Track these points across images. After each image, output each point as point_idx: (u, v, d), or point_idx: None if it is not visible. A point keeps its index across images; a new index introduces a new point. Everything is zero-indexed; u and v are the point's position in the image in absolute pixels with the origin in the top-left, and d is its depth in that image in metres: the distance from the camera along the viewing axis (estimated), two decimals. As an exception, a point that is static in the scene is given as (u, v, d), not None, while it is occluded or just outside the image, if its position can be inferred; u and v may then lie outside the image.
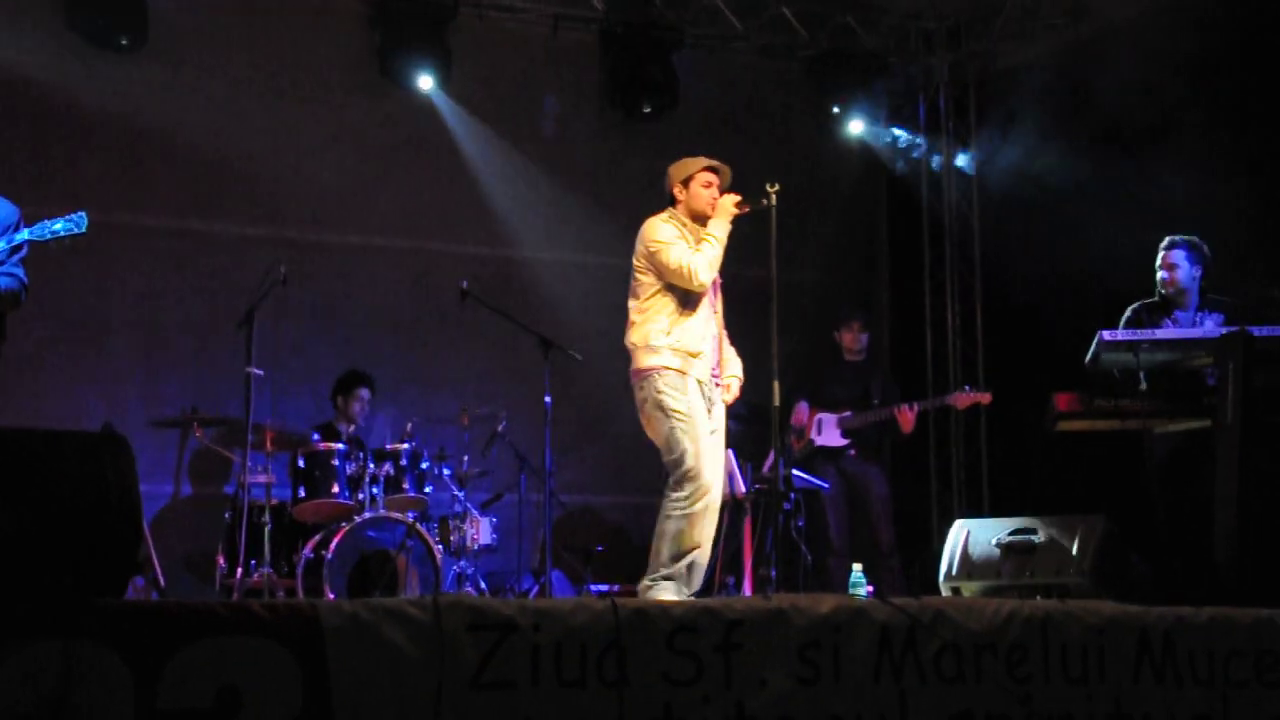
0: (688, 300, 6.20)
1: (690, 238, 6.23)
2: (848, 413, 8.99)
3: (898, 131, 10.95)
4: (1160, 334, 6.07)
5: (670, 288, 6.18)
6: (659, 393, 6.09)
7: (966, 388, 9.37)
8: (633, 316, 6.27)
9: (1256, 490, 5.61)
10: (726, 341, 6.50)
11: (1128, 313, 7.11)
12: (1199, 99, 8.68)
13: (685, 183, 6.35)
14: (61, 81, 8.95)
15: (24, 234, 5.60)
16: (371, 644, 3.54)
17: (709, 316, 6.29)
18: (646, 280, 6.23)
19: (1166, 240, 7.13)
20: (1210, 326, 6.73)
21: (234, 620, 3.42)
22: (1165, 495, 6.87)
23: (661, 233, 6.21)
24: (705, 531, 6.09)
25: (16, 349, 5.97)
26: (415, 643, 3.60)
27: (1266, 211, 8.17)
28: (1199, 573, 5.97)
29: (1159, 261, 7.09)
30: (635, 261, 6.30)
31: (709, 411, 6.19)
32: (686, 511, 5.99)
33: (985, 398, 8.89)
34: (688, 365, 6.12)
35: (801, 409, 9.09)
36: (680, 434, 6.04)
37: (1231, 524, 5.48)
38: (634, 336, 6.23)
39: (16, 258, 5.66)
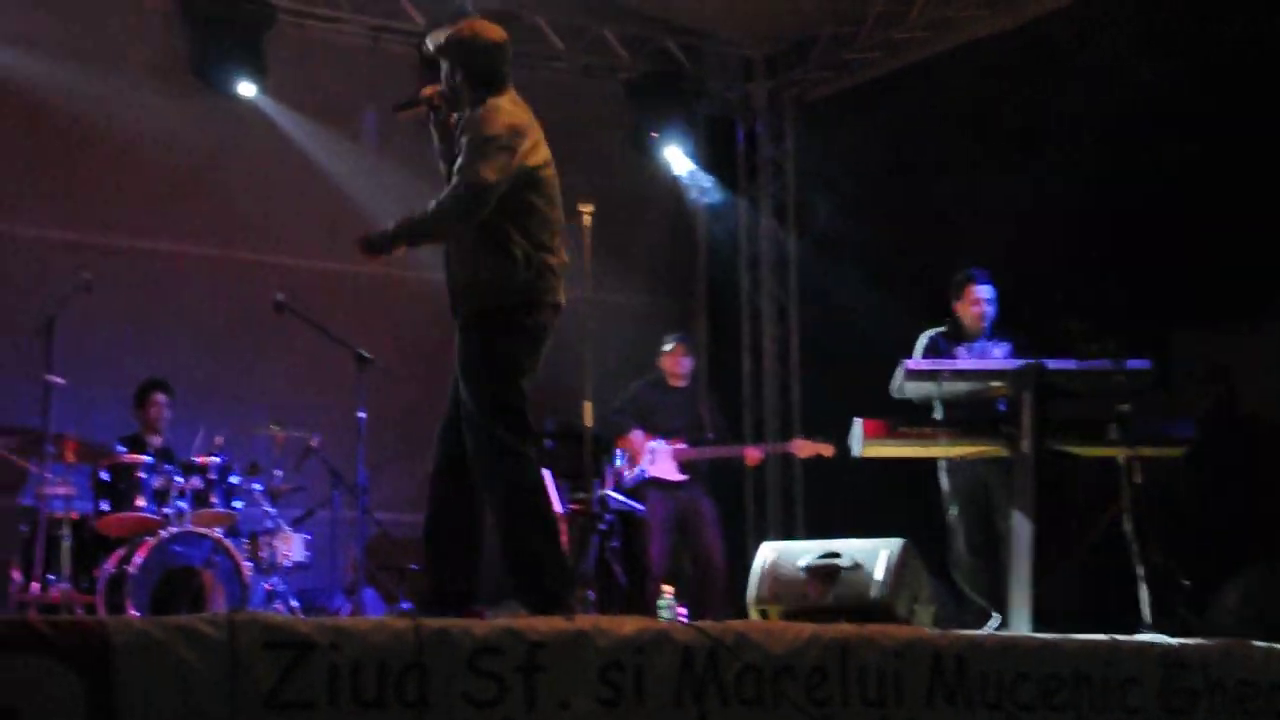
0: None
1: None
2: (682, 444, 8.74)
3: (704, 176, 11.05)
4: (960, 364, 6.22)
5: None
6: None
7: (805, 436, 9.01)
8: None
9: (1048, 514, 5.79)
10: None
11: (923, 340, 7.28)
12: (998, 132, 9.03)
13: None
14: None
15: None
16: (162, 663, 3.43)
17: None
18: None
19: (973, 274, 7.30)
20: (1001, 356, 6.93)
21: (13, 637, 3.28)
22: (963, 519, 7.06)
23: None
24: None
25: None
26: (208, 661, 3.49)
27: (1064, 243, 8.48)
28: (997, 595, 6.14)
29: (967, 295, 7.25)
30: None
31: None
32: None
33: (828, 450, 8.52)
34: None
35: (637, 435, 8.83)
36: None
37: (1026, 547, 5.63)
38: None
39: None
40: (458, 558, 5.28)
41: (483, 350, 5.13)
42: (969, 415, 6.25)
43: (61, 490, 7.89)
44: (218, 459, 8.23)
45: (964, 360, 6.74)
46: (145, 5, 9.55)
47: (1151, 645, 4.87)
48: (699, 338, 11.29)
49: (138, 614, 7.28)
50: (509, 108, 5.26)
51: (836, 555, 6.10)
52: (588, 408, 6.33)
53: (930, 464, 7.17)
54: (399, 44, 10.24)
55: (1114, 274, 8.20)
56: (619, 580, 8.83)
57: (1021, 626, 5.68)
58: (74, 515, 7.87)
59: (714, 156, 11.23)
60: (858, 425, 6.39)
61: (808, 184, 10.89)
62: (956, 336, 7.24)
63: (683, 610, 7.60)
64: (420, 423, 10.02)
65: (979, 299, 7.24)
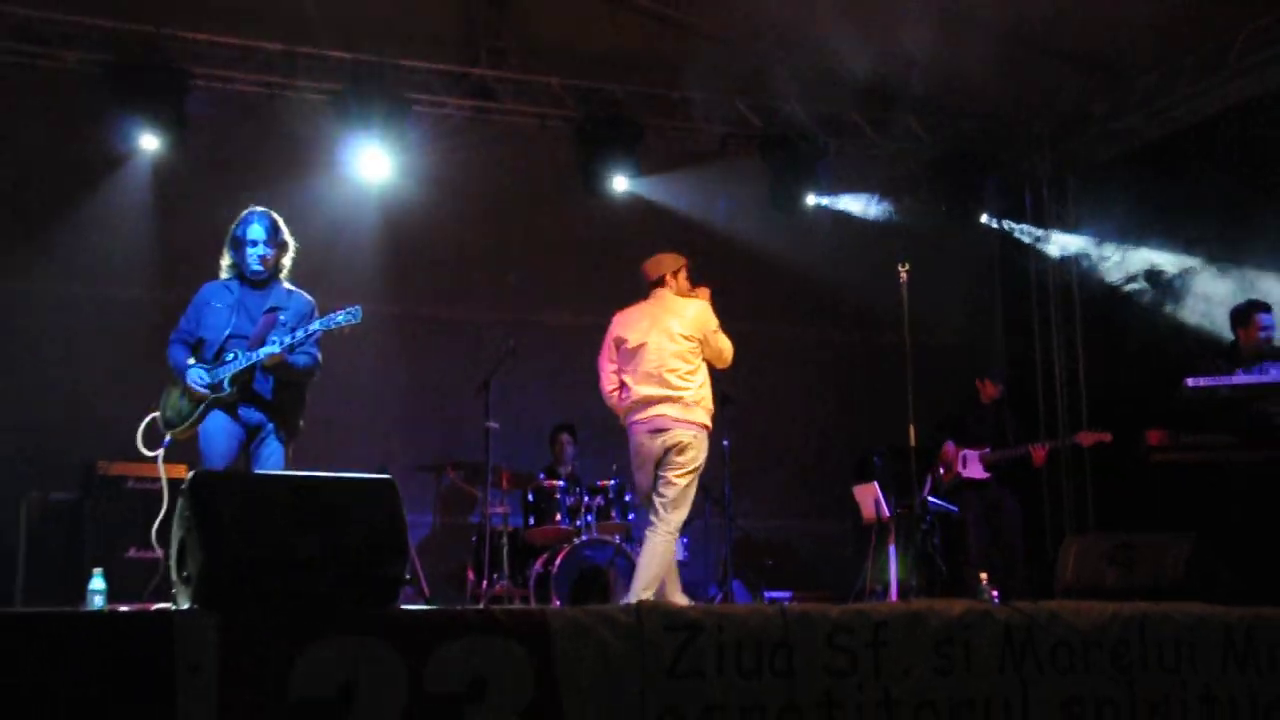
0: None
1: None
2: (987, 449, 8.71)
3: (1008, 225, 10.80)
4: (1237, 380, 5.83)
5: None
6: (702, 451, 6.34)
7: (1088, 429, 8.96)
8: (690, 379, 6.38)
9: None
10: None
11: (1204, 361, 6.88)
12: (1267, 180, 8.50)
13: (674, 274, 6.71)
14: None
15: (315, 324, 5.80)
16: (589, 642, 3.59)
17: None
18: (698, 352, 6.44)
19: (1259, 302, 6.87)
20: (1276, 374, 6.45)
21: (480, 623, 3.50)
22: (1245, 515, 6.61)
23: (715, 317, 6.54)
24: None
25: (316, 412, 6.20)
26: (623, 640, 3.63)
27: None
28: (1275, 580, 5.71)
29: (1254, 322, 6.80)
30: (692, 334, 6.42)
31: None
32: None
33: (1106, 437, 8.44)
34: None
35: (949, 447, 8.85)
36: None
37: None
38: (698, 395, 6.37)
39: (311, 340, 5.88)
40: None
41: None
42: (1246, 425, 5.85)
43: (500, 509, 8.34)
44: (614, 482, 8.53)
45: (1241, 376, 6.33)
46: (551, 143, 9.96)
47: None
48: (999, 368, 11.01)
49: (560, 604, 7.60)
50: (625, 310, 6.75)
51: (1131, 546, 5.83)
52: (911, 430, 6.25)
53: (1213, 467, 6.75)
54: (743, 147, 10.36)
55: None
56: (940, 570, 8.67)
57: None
58: (509, 529, 8.30)
59: (1006, 218, 10.96)
60: (1145, 436, 6.09)
61: (1089, 234, 10.50)
62: (1235, 360, 6.79)
63: (995, 593, 7.39)
64: (770, 449, 10.19)
65: (1265, 325, 6.82)
